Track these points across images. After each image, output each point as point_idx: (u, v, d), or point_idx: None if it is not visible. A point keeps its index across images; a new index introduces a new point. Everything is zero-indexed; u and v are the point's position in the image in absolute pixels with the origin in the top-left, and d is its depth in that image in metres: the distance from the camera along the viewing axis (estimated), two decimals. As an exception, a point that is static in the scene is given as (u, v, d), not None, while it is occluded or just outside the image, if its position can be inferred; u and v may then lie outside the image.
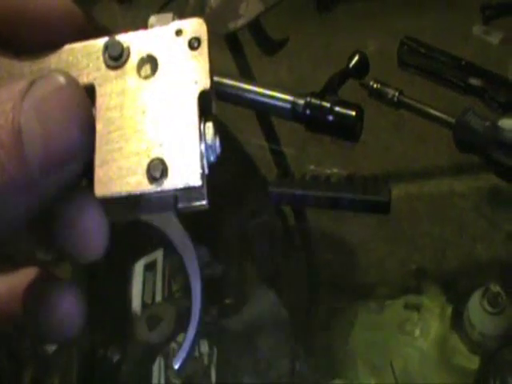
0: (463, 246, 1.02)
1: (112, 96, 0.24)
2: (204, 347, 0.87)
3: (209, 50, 0.25)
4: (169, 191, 0.23)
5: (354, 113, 0.71)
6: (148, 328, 0.87)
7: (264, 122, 0.99)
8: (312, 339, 0.98)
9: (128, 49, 0.25)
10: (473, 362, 0.88)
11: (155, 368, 0.86)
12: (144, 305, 0.91)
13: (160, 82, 0.24)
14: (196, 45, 0.25)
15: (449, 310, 0.91)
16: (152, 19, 0.26)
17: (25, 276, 0.27)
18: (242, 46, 1.00)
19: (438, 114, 0.87)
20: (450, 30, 1.19)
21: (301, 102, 0.74)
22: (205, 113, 0.24)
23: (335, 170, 0.92)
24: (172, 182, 0.23)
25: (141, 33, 0.25)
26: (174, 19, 0.26)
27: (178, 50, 0.25)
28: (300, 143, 1.04)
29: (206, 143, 0.24)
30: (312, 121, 0.73)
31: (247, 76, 1.01)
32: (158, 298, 0.92)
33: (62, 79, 0.23)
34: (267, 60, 1.06)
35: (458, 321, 0.90)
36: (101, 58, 0.24)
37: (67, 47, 0.25)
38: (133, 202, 0.24)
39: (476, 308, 0.86)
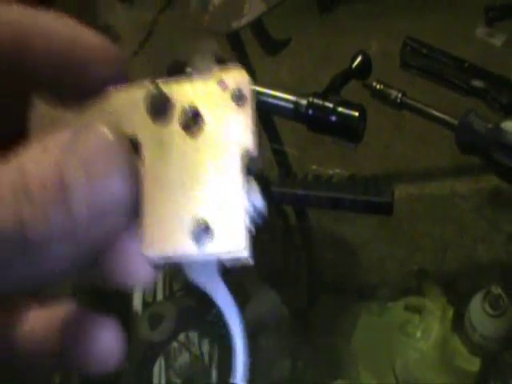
0: (464, 248, 1.01)
1: (155, 149, 0.23)
2: (205, 347, 0.87)
3: (251, 104, 0.24)
4: (213, 255, 0.23)
5: (356, 113, 0.71)
6: (150, 327, 0.87)
7: (266, 121, 0.99)
8: (313, 340, 0.98)
9: (171, 100, 0.24)
10: (474, 364, 0.87)
11: (156, 367, 0.86)
12: (145, 303, 0.91)
13: (203, 137, 0.24)
14: (239, 98, 0.24)
15: (450, 312, 0.91)
16: (194, 61, 0.25)
17: (62, 310, 0.27)
18: (244, 46, 1.00)
19: (440, 115, 0.86)
20: (452, 31, 1.19)
21: (303, 102, 0.73)
22: (249, 172, 0.24)
23: (337, 171, 0.92)
24: (216, 247, 0.23)
25: (184, 82, 0.24)
26: (214, 59, 0.25)
27: (222, 103, 0.24)
28: (302, 143, 1.04)
29: (251, 205, 0.24)
30: (314, 121, 0.73)
31: (249, 75, 1.01)
32: (160, 296, 0.92)
33: (108, 132, 0.22)
34: (269, 60, 1.06)
35: (459, 323, 0.89)
36: (143, 108, 0.24)
37: (109, 94, 0.24)
38: (177, 260, 0.24)
39: (477, 310, 0.86)
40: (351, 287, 1.01)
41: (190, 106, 0.24)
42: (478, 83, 0.91)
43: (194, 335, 0.88)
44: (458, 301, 0.91)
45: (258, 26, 0.98)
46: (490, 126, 0.78)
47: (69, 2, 1.19)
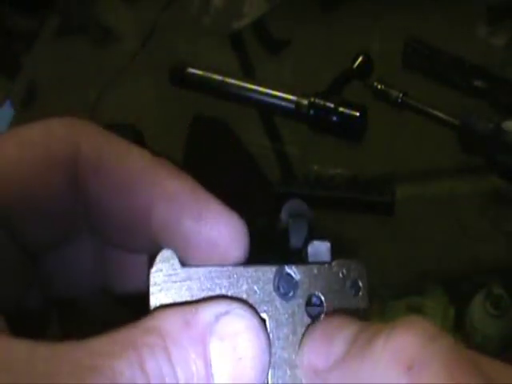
0: (465, 248, 1.01)
1: (282, 327, 0.25)
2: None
3: (368, 296, 0.27)
4: None
5: (357, 113, 0.71)
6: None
7: (267, 121, 0.99)
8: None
9: (297, 283, 0.26)
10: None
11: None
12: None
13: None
14: (357, 289, 0.27)
15: (451, 312, 0.91)
16: (310, 249, 0.27)
17: None
18: (246, 46, 1.00)
19: (441, 115, 0.86)
20: (454, 31, 1.19)
21: (305, 102, 0.74)
22: None
23: (338, 171, 0.92)
24: None
25: (308, 270, 0.26)
26: (331, 250, 0.27)
27: (341, 292, 0.26)
28: (303, 143, 1.04)
29: None
30: (316, 121, 0.73)
31: (251, 75, 1.01)
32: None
33: (250, 319, 0.24)
34: (270, 59, 1.06)
35: (460, 323, 0.89)
36: (271, 287, 0.26)
37: (239, 269, 0.26)
38: None
39: (478, 310, 0.85)
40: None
41: (314, 291, 0.26)
42: (479, 83, 0.91)
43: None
44: (459, 301, 0.91)
45: (259, 25, 0.98)
46: (491, 125, 0.78)
47: (69, 2, 1.19)
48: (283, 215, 0.29)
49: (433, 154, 1.11)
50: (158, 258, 0.25)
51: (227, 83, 0.83)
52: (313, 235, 0.28)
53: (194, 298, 0.25)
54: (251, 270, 0.26)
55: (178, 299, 0.25)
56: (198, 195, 0.26)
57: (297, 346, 0.25)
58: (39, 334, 0.29)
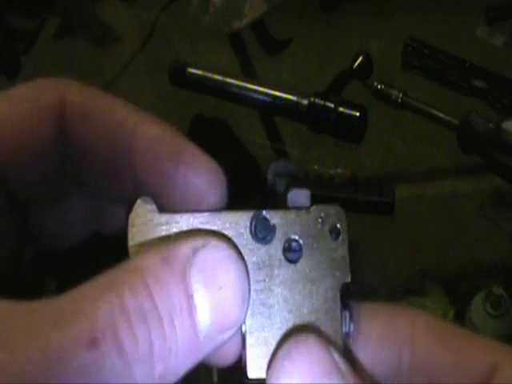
0: (466, 248, 1.01)
1: (259, 271, 0.26)
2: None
3: (348, 241, 0.27)
4: None
5: (357, 113, 0.71)
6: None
7: (267, 121, 0.99)
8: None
9: (274, 227, 0.26)
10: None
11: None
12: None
13: (302, 265, 0.26)
14: (336, 234, 0.27)
15: (451, 312, 0.91)
16: (289, 195, 0.27)
17: None
18: (246, 46, 1.00)
19: (441, 115, 0.86)
20: (454, 31, 1.19)
21: (304, 102, 0.74)
22: (343, 300, 0.27)
23: (338, 171, 0.92)
24: None
25: (286, 214, 0.26)
26: (310, 198, 0.27)
27: (320, 237, 0.26)
28: (303, 143, 1.04)
29: (344, 332, 0.26)
30: (316, 121, 0.73)
31: (251, 75, 1.01)
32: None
33: (227, 249, 0.24)
34: (270, 59, 1.06)
35: (460, 323, 0.89)
36: (247, 231, 0.26)
37: (214, 214, 0.26)
38: None
39: (478, 310, 0.85)
40: (352, 287, 1.01)
41: (292, 237, 0.26)
42: (479, 83, 0.91)
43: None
44: (460, 301, 0.91)
45: (259, 25, 0.98)
46: (490, 125, 0.78)
47: (69, 3, 1.19)
48: (269, 176, 0.30)
49: (433, 154, 1.11)
50: (137, 204, 0.25)
51: (227, 83, 0.83)
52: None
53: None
54: (228, 215, 0.26)
55: (155, 242, 0.25)
56: (178, 140, 0.27)
57: (274, 289, 0.25)
58: (36, 292, 0.29)
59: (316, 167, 0.95)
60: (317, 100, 0.73)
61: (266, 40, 1.02)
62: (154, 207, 0.26)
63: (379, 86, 0.86)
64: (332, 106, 0.72)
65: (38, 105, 0.26)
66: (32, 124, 0.26)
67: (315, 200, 0.28)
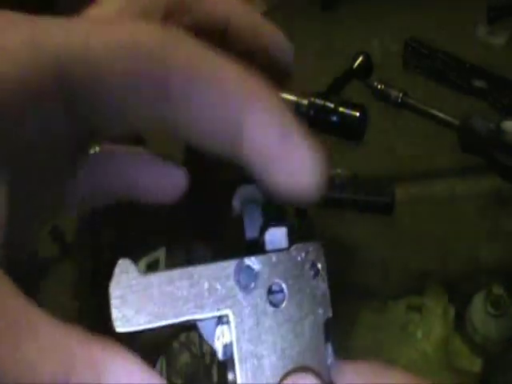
0: (466, 248, 1.01)
1: (247, 320, 0.26)
2: (206, 346, 0.87)
3: (326, 275, 0.27)
4: None
5: (357, 113, 0.71)
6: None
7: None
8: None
9: (257, 274, 0.26)
10: (475, 365, 0.87)
11: (157, 367, 0.86)
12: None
13: (288, 310, 0.26)
14: (316, 272, 0.27)
15: (451, 312, 0.91)
16: (267, 237, 0.27)
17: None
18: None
19: (441, 115, 0.86)
20: (454, 30, 1.19)
21: (304, 102, 0.73)
22: (328, 335, 0.26)
23: (338, 171, 0.92)
24: None
25: (267, 259, 0.26)
26: (288, 235, 0.27)
27: (302, 277, 0.27)
28: (303, 143, 1.04)
29: (329, 365, 0.26)
30: (316, 121, 0.73)
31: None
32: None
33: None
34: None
35: (460, 323, 0.89)
36: (232, 282, 0.26)
37: (199, 268, 0.26)
38: None
39: (479, 310, 0.85)
40: (352, 287, 1.01)
41: (274, 280, 0.26)
42: (479, 83, 0.91)
43: (194, 335, 0.88)
44: (460, 301, 0.91)
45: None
46: (491, 126, 0.78)
47: (69, 3, 1.19)
48: (235, 203, 0.29)
49: (433, 154, 1.11)
50: (116, 269, 0.25)
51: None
52: (268, 220, 0.28)
53: (156, 306, 0.25)
54: (211, 268, 0.26)
55: (141, 309, 0.25)
56: (290, 124, 0.25)
57: (262, 336, 0.25)
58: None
59: (316, 167, 0.95)
60: (317, 100, 0.73)
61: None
62: (135, 270, 0.25)
63: (379, 86, 0.86)
64: (332, 106, 0.72)
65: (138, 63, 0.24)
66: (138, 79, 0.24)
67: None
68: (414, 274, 0.99)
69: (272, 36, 0.32)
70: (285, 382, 0.24)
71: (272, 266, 0.26)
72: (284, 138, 0.25)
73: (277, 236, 0.27)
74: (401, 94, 0.86)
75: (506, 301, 0.84)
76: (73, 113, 0.24)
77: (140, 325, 0.25)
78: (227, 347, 0.25)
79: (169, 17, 0.29)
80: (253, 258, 0.26)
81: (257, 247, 0.27)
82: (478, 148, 0.79)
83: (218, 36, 0.30)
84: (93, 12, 0.29)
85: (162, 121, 0.25)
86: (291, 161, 0.25)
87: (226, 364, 0.26)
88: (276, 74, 0.25)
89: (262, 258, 0.26)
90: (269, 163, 0.25)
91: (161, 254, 0.93)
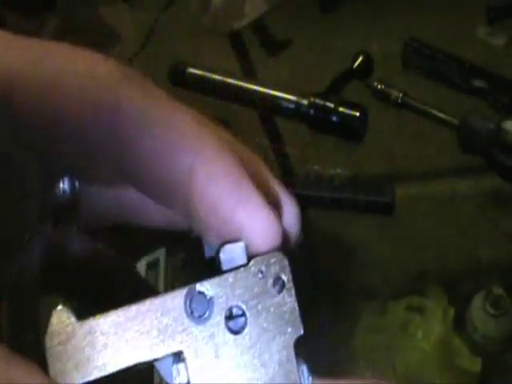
0: (465, 248, 1.01)
1: (202, 354, 0.23)
2: None
3: (295, 289, 0.24)
4: None
5: (357, 113, 0.71)
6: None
7: (267, 121, 0.99)
8: (313, 340, 0.98)
9: (211, 300, 0.23)
10: (475, 365, 0.87)
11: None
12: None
13: (250, 335, 0.23)
14: (281, 285, 0.24)
15: (451, 312, 0.91)
16: (221, 255, 0.24)
17: None
18: (246, 46, 1.00)
19: (441, 115, 0.86)
20: (454, 31, 1.19)
21: (305, 102, 0.74)
22: (297, 356, 0.24)
23: (338, 171, 0.92)
24: None
25: (222, 281, 0.23)
26: (247, 249, 0.24)
27: (264, 294, 0.23)
28: (303, 143, 1.04)
29: None
30: (316, 121, 0.73)
31: (250, 75, 1.01)
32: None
33: None
34: (270, 60, 1.06)
35: (460, 323, 0.89)
36: (183, 314, 0.23)
37: (145, 305, 0.23)
38: None
39: (478, 310, 0.86)
40: (352, 287, 1.01)
41: (232, 303, 0.23)
42: (479, 83, 0.91)
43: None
44: (460, 301, 0.91)
45: (259, 25, 0.98)
46: (491, 125, 0.78)
47: (69, 3, 1.19)
48: None
49: (433, 154, 1.11)
50: (53, 318, 0.22)
51: (227, 83, 0.83)
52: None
53: (101, 354, 0.22)
54: (159, 302, 0.23)
55: (83, 359, 0.22)
56: (241, 181, 0.24)
57: (222, 369, 0.23)
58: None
59: (316, 167, 0.95)
60: (317, 100, 0.73)
61: (266, 40, 1.03)
62: (72, 318, 0.22)
63: (379, 86, 0.86)
64: (332, 105, 0.72)
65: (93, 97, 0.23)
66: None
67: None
68: (414, 274, 0.99)
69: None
70: None
71: (229, 288, 0.23)
72: (236, 190, 0.24)
73: (234, 253, 0.24)
74: (401, 94, 0.86)
75: (506, 301, 0.84)
76: (24, 139, 0.23)
77: (82, 377, 0.22)
78: None
79: None
80: (205, 283, 0.23)
81: (214, 268, 0.24)
82: (477, 148, 0.79)
83: None
84: None
85: (112, 158, 0.24)
86: (244, 212, 0.23)
87: None
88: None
89: (215, 280, 0.23)
90: (221, 210, 0.23)
91: (161, 253, 0.93)
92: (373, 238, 1.03)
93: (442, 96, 0.95)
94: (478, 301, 0.86)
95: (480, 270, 0.99)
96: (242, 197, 0.24)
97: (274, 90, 0.78)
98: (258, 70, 1.03)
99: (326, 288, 1.04)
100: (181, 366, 0.23)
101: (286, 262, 0.24)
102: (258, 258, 0.23)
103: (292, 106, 0.75)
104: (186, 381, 0.23)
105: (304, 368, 0.24)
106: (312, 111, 0.73)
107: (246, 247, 0.24)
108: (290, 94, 0.75)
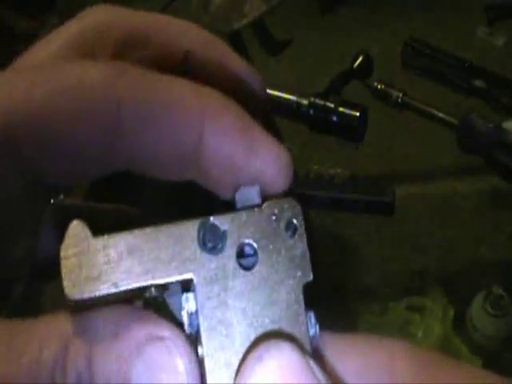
0: (465, 248, 1.01)
1: (212, 285, 0.23)
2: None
3: (306, 235, 0.24)
4: None
5: (357, 113, 0.71)
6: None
7: (267, 121, 0.98)
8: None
9: (224, 234, 0.23)
10: (475, 364, 0.87)
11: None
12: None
13: (260, 273, 0.24)
14: (293, 230, 0.24)
15: (451, 312, 0.91)
16: (237, 195, 0.24)
17: None
18: (246, 46, 1.00)
19: (441, 115, 0.86)
20: (454, 31, 1.19)
21: (305, 102, 0.74)
22: (306, 301, 0.24)
23: (338, 171, 0.92)
24: None
25: (236, 217, 0.24)
26: (260, 194, 0.24)
27: (276, 237, 0.24)
28: (303, 143, 1.04)
29: (311, 335, 0.24)
30: (316, 121, 0.73)
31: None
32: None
33: (180, 355, 0.22)
34: (271, 60, 1.06)
35: (460, 323, 0.89)
36: (195, 243, 0.23)
37: (159, 229, 0.23)
38: None
39: (478, 310, 0.85)
40: (352, 287, 1.01)
41: (245, 241, 0.24)
42: (479, 83, 0.91)
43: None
44: (459, 301, 0.91)
45: (259, 25, 0.98)
46: (491, 125, 0.78)
47: (69, 3, 1.19)
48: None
49: (433, 154, 1.11)
50: (69, 231, 0.23)
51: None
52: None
53: (112, 271, 0.22)
54: (172, 228, 0.23)
55: (96, 274, 0.22)
56: (249, 128, 0.24)
57: (230, 302, 0.23)
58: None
59: (316, 167, 0.95)
60: (317, 100, 0.73)
61: (266, 40, 1.02)
62: (87, 233, 0.23)
63: (379, 86, 0.86)
64: (332, 105, 0.72)
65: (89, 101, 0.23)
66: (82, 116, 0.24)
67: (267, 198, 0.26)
68: (413, 274, 0.99)
69: (237, 65, 0.30)
70: (252, 353, 0.22)
71: (242, 225, 0.24)
72: (247, 139, 0.24)
73: (249, 194, 0.24)
74: (401, 94, 0.86)
75: (506, 301, 0.84)
76: (21, 166, 0.24)
77: (93, 292, 0.22)
78: (193, 316, 0.23)
79: (123, 52, 0.28)
80: (219, 217, 0.23)
81: (228, 208, 0.24)
82: (477, 148, 0.79)
83: (181, 66, 0.29)
84: (40, 54, 0.28)
85: (116, 160, 0.24)
86: (257, 157, 0.24)
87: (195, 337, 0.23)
88: (246, 103, 0.24)
89: (229, 215, 0.24)
90: (235, 163, 0.24)
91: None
92: (373, 237, 1.03)
93: (442, 96, 0.95)
94: (478, 301, 0.86)
95: (480, 270, 0.99)
96: (254, 143, 0.24)
97: (274, 89, 0.78)
98: (258, 69, 1.03)
99: (325, 288, 1.04)
100: (190, 294, 0.23)
101: (298, 209, 0.24)
102: (272, 202, 0.24)
103: (292, 106, 0.75)
104: (194, 309, 0.23)
105: (312, 315, 0.24)
106: (312, 111, 0.73)
107: (261, 191, 0.24)
108: (289, 94, 0.75)
